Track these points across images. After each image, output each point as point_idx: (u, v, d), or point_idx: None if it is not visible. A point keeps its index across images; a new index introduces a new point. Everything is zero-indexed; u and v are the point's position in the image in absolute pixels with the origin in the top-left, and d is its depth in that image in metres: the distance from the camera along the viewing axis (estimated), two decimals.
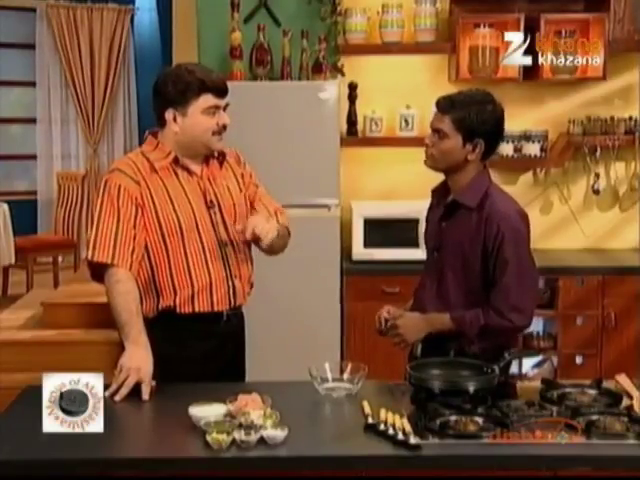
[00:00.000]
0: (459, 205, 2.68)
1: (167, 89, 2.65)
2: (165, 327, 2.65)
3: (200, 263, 2.66)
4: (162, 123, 2.69)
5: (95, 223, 2.61)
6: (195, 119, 2.64)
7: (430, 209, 2.91)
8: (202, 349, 2.68)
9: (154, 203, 2.63)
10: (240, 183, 2.82)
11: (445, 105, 2.66)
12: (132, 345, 2.52)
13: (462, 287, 2.67)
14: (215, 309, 2.69)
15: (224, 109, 2.68)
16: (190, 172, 2.70)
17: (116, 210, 2.59)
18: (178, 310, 2.65)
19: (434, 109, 2.72)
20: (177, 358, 2.64)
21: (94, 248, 2.59)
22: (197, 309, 2.66)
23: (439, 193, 2.83)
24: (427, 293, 2.75)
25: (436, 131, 2.67)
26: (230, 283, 2.71)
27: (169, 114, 2.66)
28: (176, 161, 2.68)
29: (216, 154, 2.76)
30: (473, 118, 2.62)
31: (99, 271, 2.63)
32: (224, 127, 2.67)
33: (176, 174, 2.68)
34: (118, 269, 2.57)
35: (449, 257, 2.69)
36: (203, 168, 2.73)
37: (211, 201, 2.70)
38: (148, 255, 2.64)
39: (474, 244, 2.63)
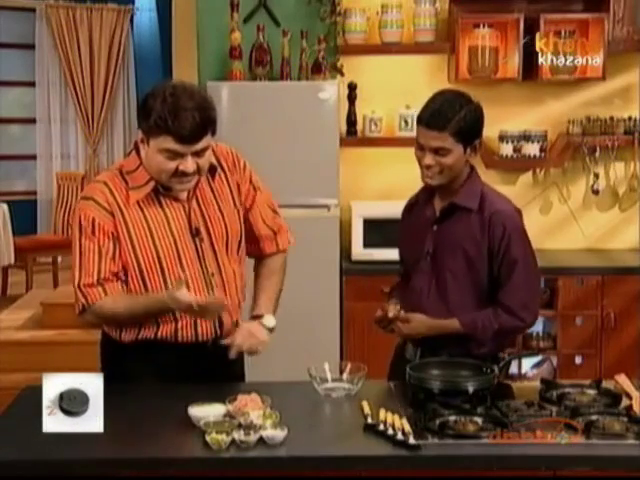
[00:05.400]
0: (457, 208, 2.64)
1: (143, 106, 2.37)
2: (144, 353, 2.51)
3: None
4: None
5: (77, 262, 2.44)
6: (152, 154, 2.38)
7: (410, 212, 2.84)
8: (185, 375, 2.51)
9: (130, 236, 2.44)
10: (235, 196, 2.59)
11: (439, 121, 2.52)
12: (168, 300, 2.38)
13: (465, 288, 2.64)
14: (200, 340, 2.53)
15: (199, 154, 2.36)
16: (174, 198, 2.48)
17: (96, 246, 2.42)
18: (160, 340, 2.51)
19: (420, 126, 2.57)
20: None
21: (83, 293, 2.44)
22: (180, 341, 2.52)
23: (426, 193, 2.74)
24: (424, 298, 2.69)
25: (435, 150, 2.54)
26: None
27: (139, 134, 2.42)
28: (156, 190, 2.45)
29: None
30: (468, 123, 2.54)
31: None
32: (184, 174, 2.37)
33: (159, 201, 2.46)
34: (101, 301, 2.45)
35: (448, 260, 2.65)
36: (189, 191, 2.48)
37: (197, 229, 2.48)
38: (127, 287, 2.48)
39: (479, 245, 2.60)
